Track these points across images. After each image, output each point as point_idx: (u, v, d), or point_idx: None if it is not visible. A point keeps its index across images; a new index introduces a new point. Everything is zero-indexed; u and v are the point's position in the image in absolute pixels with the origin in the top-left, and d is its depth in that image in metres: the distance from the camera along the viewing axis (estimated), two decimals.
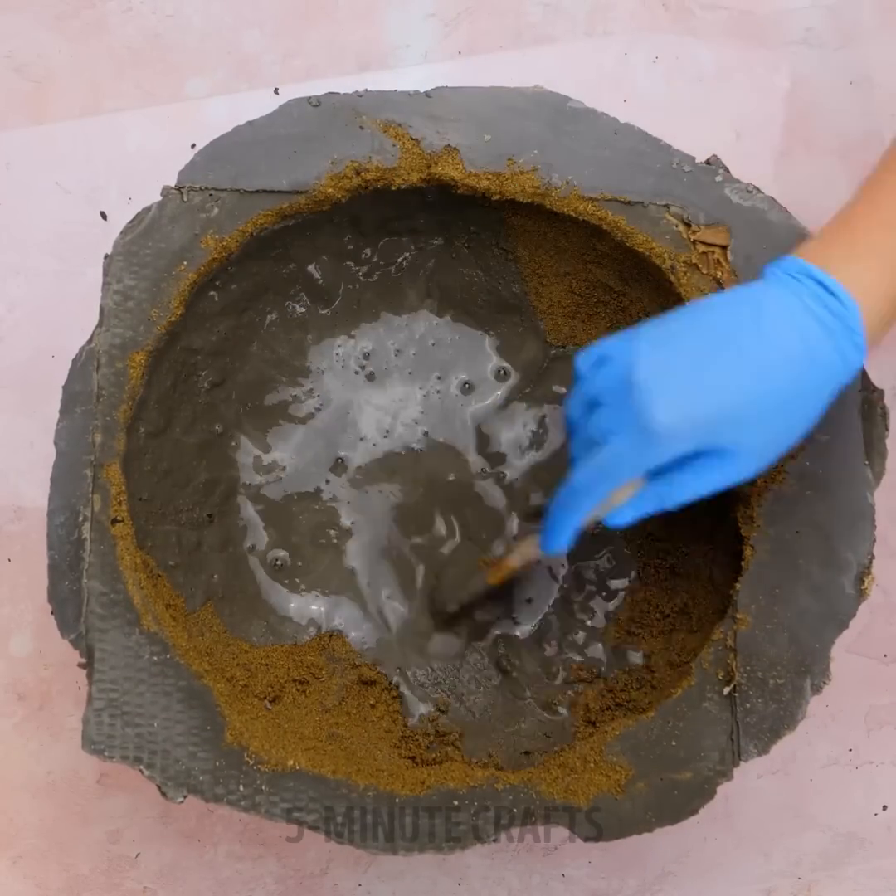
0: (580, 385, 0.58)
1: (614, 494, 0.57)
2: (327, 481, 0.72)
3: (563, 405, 0.59)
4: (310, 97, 0.65)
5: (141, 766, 0.58)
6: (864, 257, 0.55)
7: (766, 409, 0.53)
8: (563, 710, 0.68)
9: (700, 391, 0.53)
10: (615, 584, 0.71)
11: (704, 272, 0.63)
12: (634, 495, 0.57)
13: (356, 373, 0.73)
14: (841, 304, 0.54)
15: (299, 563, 0.71)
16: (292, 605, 0.70)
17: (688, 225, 0.63)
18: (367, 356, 0.73)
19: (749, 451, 0.54)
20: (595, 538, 0.70)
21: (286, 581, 0.71)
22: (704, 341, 0.54)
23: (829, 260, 0.55)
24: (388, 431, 0.73)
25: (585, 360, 0.58)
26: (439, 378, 0.73)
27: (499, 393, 0.73)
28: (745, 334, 0.53)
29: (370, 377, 0.73)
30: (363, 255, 0.71)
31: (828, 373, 0.54)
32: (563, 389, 0.73)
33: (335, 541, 0.71)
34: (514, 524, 0.72)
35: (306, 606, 0.70)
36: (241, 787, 0.59)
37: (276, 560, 0.71)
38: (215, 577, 0.68)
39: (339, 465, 0.72)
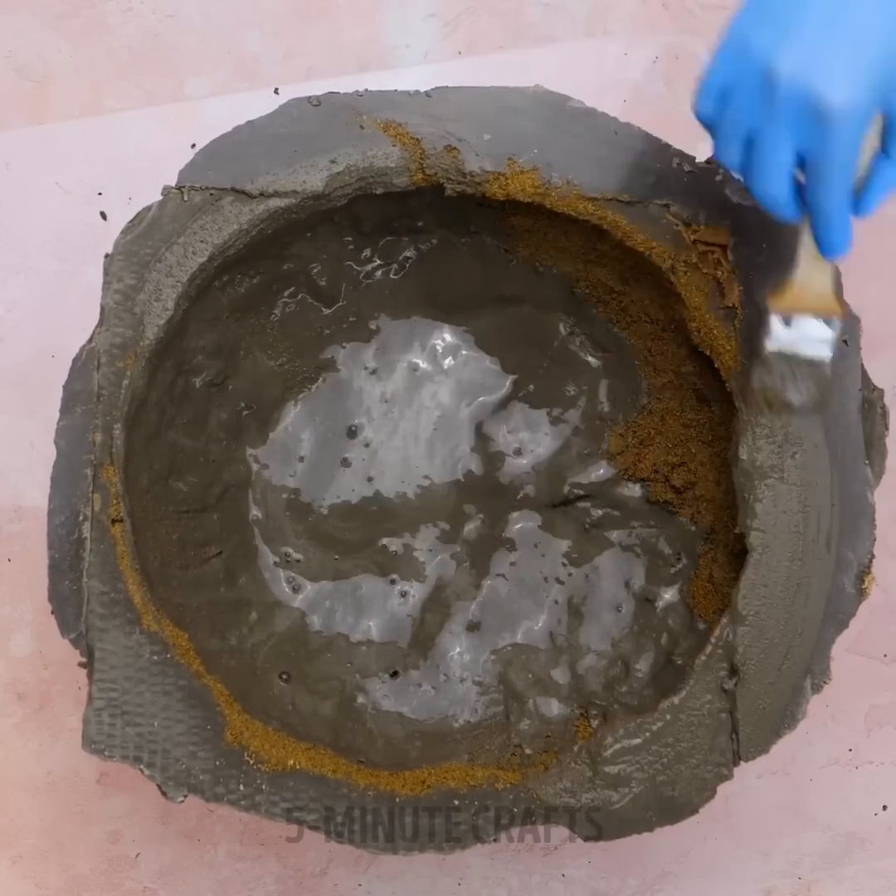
0: (722, 128, 0.52)
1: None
2: (328, 481, 0.72)
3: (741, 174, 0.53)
4: (310, 97, 0.65)
5: (141, 766, 0.58)
6: None
7: None
8: None
9: (856, 50, 0.48)
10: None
11: (704, 272, 0.63)
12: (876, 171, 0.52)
13: (357, 373, 0.73)
14: None
15: (300, 559, 0.71)
16: (296, 601, 0.70)
17: (688, 225, 0.63)
18: (368, 357, 0.73)
19: None
20: None
21: (291, 577, 0.71)
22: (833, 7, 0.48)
23: None
24: (389, 432, 0.73)
25: (707, 102, 0.53)
26: (440, 377, 0.73)
27: (499, 393, 0.73)
28: None
29: (373, 375, 0.73)
30: (363, 255, 0.71)
31: None
32: (568, 387, 0.73)
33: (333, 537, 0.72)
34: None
35: (308, 601, 0.71)
36: (242, 787, 0.58)
37: (284, 557, 0.71)
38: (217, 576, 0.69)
39: (343, 466, 0.72)
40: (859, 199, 0.53)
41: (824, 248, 0.55)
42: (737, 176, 0.56)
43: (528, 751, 0.66)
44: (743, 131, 0.52)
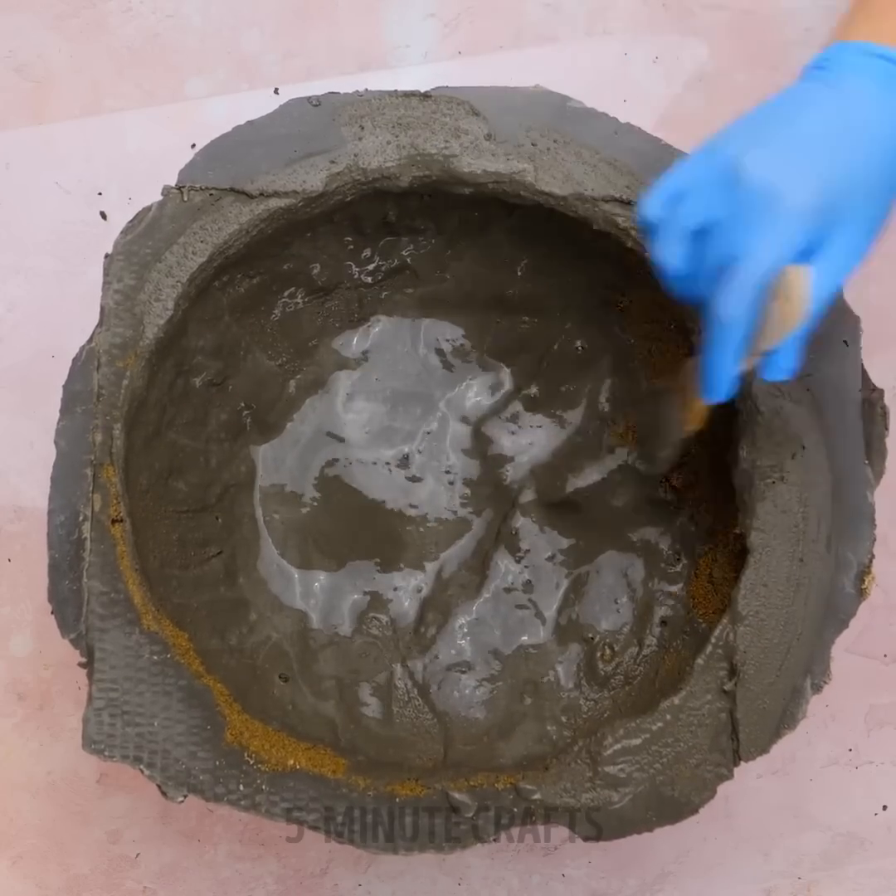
0: (670, 226, 0.55)
1: (763, 334, 0.54)
2: (328, 481, 0.72)
3: (661, 273, 0.55)
4: (310, 97, 0.65)
5: (141, 766, 0.58)
6: None
7: (872, 183, 0.54)
8: None
9: (812, 168, 0.53)
10: None
11: None
12: (782, 341, 0.55)
13: (357, 374, 0.73)
14: None
15: (300, 559, 0.71)
16: (296, 601, 0.71)
17: None
18: (367, 357, 0.73)
19: (864, 224, 0.55)
20: None
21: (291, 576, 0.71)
22: (798, 132, 0.54)
23: (883, 35, 0.56)
24: (390, 430, 0.73)
25: (657, 202, 0.55)
26: (440, 378, 0.73)
27: (499, 394, 0.73)
28: (835, 126, 0.54)
29: (371, 377, 0.73)
30: (363, 255, 0.71)
31: None
32: (568, 387, 0.73)
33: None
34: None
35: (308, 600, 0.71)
36: (242, 787, 0.58)
37: (283, 557, 0.71)
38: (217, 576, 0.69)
39: (343, 465, 0.72)
40: (772, 364, 0.55)
41: (704, 391, 0.56)
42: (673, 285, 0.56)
43: (528, 751, 0.67)
44: (694, 224, 0.54)
